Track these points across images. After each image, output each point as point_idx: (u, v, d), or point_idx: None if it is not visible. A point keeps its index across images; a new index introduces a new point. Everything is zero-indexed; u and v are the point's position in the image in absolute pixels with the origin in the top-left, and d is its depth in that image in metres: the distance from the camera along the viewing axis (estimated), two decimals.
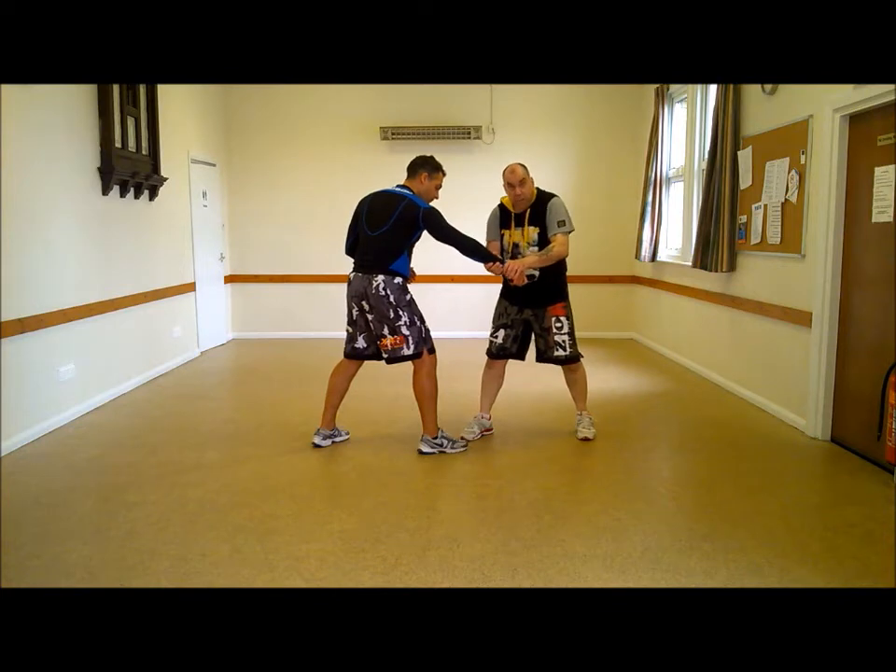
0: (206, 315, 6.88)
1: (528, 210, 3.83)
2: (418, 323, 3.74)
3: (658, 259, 6.78)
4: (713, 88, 5.51)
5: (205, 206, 6.90)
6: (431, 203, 3.78)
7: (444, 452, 3.80)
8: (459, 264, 7.29)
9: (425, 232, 3.71)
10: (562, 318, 3.87)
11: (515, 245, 3.88)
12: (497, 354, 4.03)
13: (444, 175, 3.89)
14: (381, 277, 3.63)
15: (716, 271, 5.16)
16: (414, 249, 3.80)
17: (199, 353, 6.69)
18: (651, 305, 7.07)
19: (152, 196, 5.60)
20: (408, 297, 3.72)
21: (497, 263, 3.71)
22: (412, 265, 3.83)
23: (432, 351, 3.82)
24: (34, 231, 4.07)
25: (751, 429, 4.29)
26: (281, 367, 6.18)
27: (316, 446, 3.88)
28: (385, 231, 3.66)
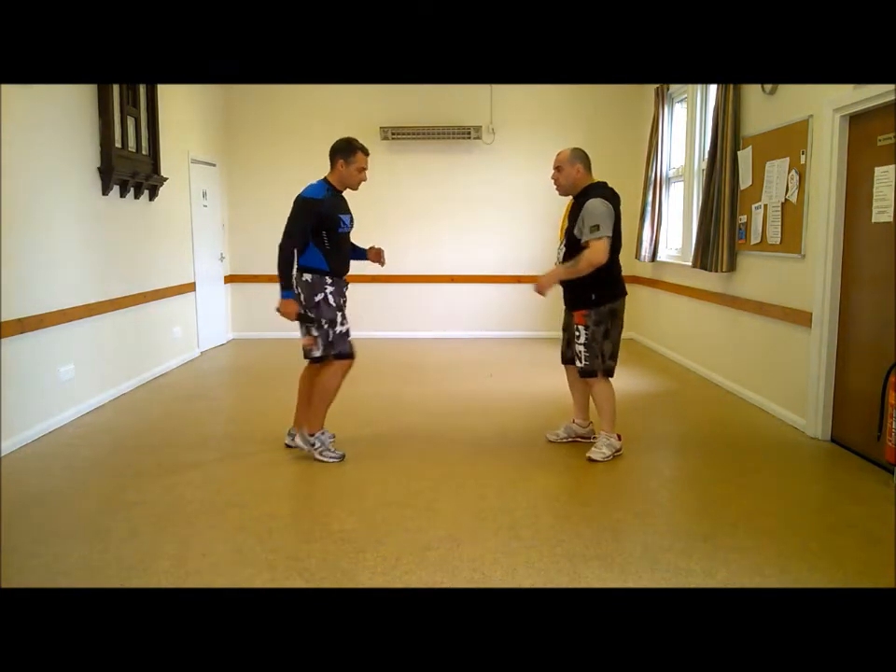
0: (206, 315, 6.88)
1: (573, 201, 3.65)
2: (326, 327, 3.56)
3: (658, 259, 6.77)
4: (713, 88, 5.51)
5: (205, 206, 6.90)
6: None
7: (312, 453, 3.67)
8: (459, 264, 7.31)
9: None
10: (580, 327, 3.57)
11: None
12: (562, 360, 3.86)
13: (367, 154, 3.59)
14: (295, 275, 3.55)
15: (716, 271, 5.16)
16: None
17: (199, 353, 6.68)
18: (651, 305, 7.07)
19: (152, 196, 5.60)
20: (318, 297, 3.54)
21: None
22: (377, 246, 3.80)
23: (342, 357, 3.61)
24: (34, 231, 4.07)
25: (751, 429, 4.29)
26: (281, 367, 6.17)
27: (288, 446, 3.84)
28: None
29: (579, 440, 3.92)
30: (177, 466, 3.62)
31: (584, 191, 3.59)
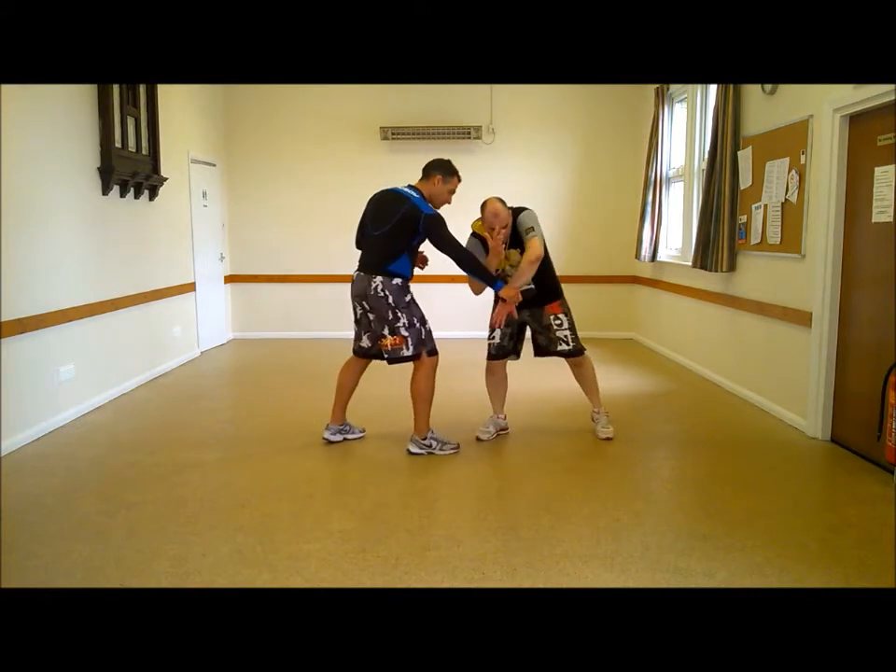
0: (206, 314, 6.88)
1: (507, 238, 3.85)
2: (417, 325, 3.71)
3: (658, 258, 6.77)
4: (713, 88, 5.51)
5: (205, 206, 6.91)
6: (441, 209, 3.75)
7: (433, 453, 3.78)
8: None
9: None
10: (560, 315, 3.94)
11: (499, 271, 3.89)
12: (497, 354, 4.05)
13: (460, 180, 3.84)
14: (379, 279, 3.63)
15: (716, 271, 5.16)
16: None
17: (199, 353, 6.68)
18: (651, 305, 7.07)
19: (152, 196, 5.60)
20: (407, 298, 3.70)
21: (501, 303, 3.76)
22: (423, 251, 3.84)
23: (433, 353, 3.78)
24: (34, 231, 4.07)
25: (751, 429, 4.29)
26: (281, 367, 6.18)
27: (327, 441, 3.93)
28: (386, 231, 3.64)
29: (500, 432, 4.16)
30: (177, 466, 3.62)
31: (512, 219, 3.87)
